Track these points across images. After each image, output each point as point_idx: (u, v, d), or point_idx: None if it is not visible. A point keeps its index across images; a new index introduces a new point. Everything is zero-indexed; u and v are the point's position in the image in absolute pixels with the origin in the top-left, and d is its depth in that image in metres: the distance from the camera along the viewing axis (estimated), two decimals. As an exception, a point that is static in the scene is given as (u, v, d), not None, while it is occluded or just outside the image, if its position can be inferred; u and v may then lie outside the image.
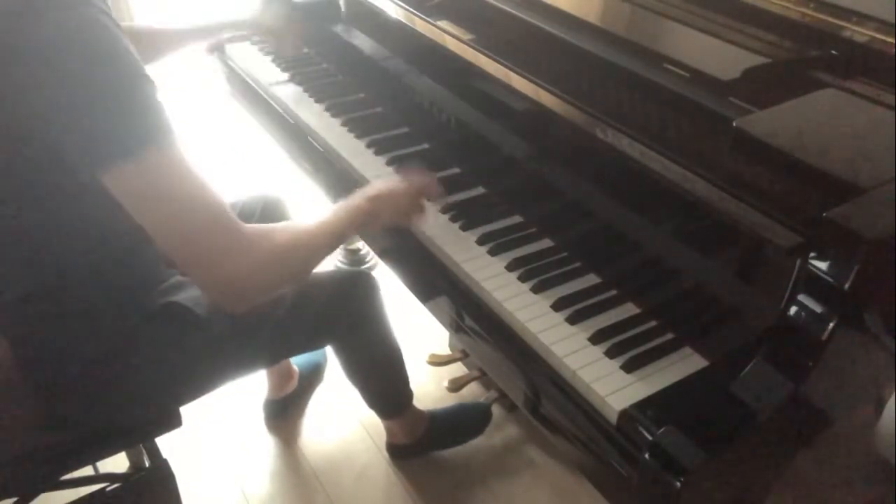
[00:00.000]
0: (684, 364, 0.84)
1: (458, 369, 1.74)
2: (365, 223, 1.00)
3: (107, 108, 0.74)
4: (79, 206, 0.87)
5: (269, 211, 1.34)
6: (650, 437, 0.73)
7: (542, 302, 0.93)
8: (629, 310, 0.92)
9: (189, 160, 0.79)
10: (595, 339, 0.87)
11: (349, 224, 0.97)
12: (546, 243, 1.04)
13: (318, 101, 1.40)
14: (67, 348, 0.96)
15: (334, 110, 1.36)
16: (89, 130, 0.74)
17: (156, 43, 1.27)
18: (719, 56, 1.00)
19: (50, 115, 0.74)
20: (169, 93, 0.89)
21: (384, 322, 1.28)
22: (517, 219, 1.09)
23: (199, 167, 0.80)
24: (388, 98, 1.37)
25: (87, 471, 1.12)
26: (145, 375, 1.01)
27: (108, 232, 0.92)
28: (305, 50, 1.56)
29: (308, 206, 1.74)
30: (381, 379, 1.40)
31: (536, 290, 0.95)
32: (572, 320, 0.90)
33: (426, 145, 1.27)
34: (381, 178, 1.14)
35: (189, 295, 1.02)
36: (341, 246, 2.10)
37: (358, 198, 0.99)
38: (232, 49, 1.61)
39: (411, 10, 1.24)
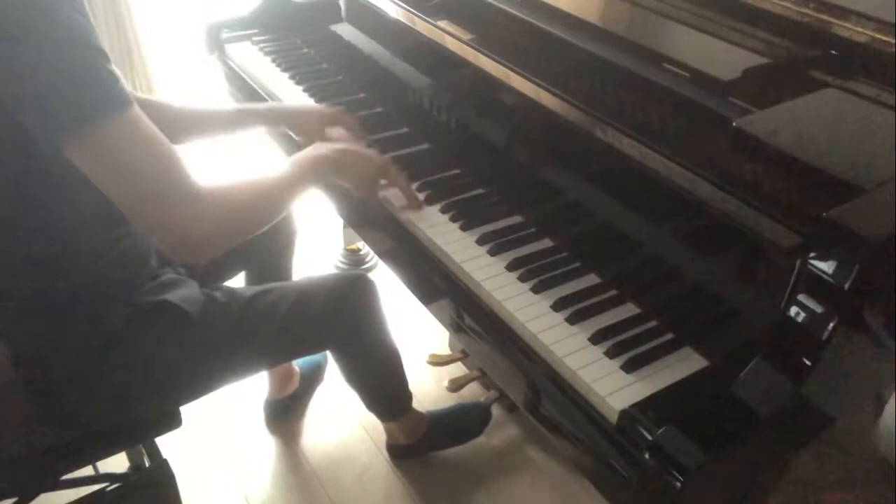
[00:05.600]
0: (684, 364, 0.84)
1: (458, 369, 1.74)
2: (328, 172, 1.04)
3: (52, 80, 0.74)
4: (58, 194, 0.87)
5: None
6: (650, 437, 0.73)
7: (542, 302, 0.93)
8: (629, 310, 0.92)
9: (145, 125, 0.80)
10: (595, 339, 0.87)
11: (312, 171, 1.01)
12: (546, 243, 1.04)
13: (318, 101, 1.40)
14: (61, 346, 0.96)
15: (334, 110, 1.36)
16: (43, 100, 0.74)
17: (201, 123, 1.23)
18: (719, 56, 1.00)
19: (5, 90, 0.75)
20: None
21: (382, 326, 1.28)
22: (517, 219, 1.09)
23: (155, 131, 0.81)
24: (388, 98, 1.37)
25: (87, 471, 1.12)
26: (141, 374, 1.01)
27: (96, 222, 0.92)
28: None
29: (308, 206, 1.74)
30: (381, 383, 1.40)
31: (536, 290, 0.95)
32: (572, 320, 0.90)
33: (426, 145, 1.27)
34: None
35: (181, 294, 1.02)
36: (341, 247, 2.10)
37: (323, 147, 1.04)
38: (232, 49, 1.61)
39: (411, 10, 1.24)
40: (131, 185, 0.80)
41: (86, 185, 0.80)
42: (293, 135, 1.29)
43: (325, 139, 1.23)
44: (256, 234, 0.96)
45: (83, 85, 0.75)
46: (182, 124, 1.19)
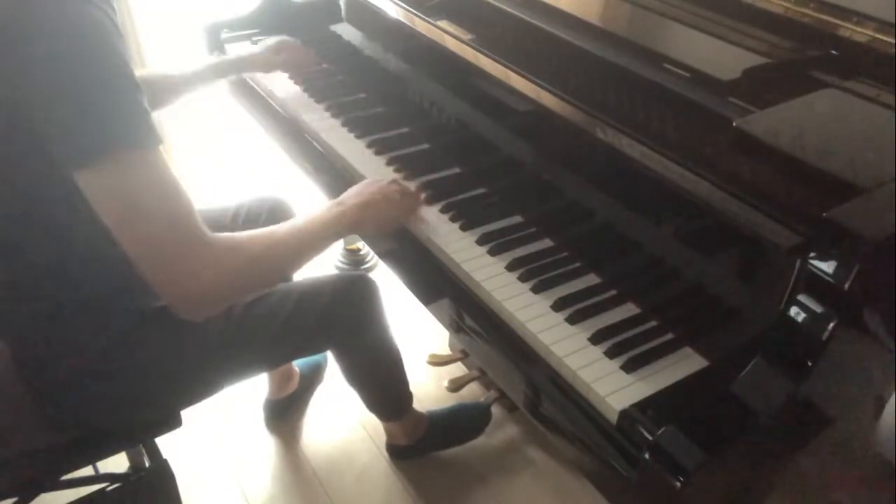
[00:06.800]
0: (684, 364, 0.84)
1: (458, 369, 1.74)
2: (349, 230, 1.00)
3: (84, 104, 0.73)
4: (68, 202, 0.86)
5: (274, 214, 1.33)
6: (650, 437, 0.73)
7: (542, 302, 0.93)
8: (629, 310, 0.92)
9: (164, 168, 0.78)
10: (595, 339, 0.87)
11: (332, 231, 0.97)
12: (546, 243, 1.04)
13: (318, 101, 1.40)
14: (63, 349, 0.96)
15: (334, 110, 1.36)
16: (66, 125, 0.74)
17: (170, 87, 1.28)
18: (719, 56, 1.00)
19: (33, 106, 0.74)
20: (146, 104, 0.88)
21: (384, 326, 1.28)
22: (517, 219, 1.09)
23: (173, 176, 0.79)
24: (388, 98, 1.37)
25: (87, 471, 1.12)
26: (143, 378, 1.01)
27: (98, 229, 0.92)
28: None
29: (309, 207, 1.74)
30: (381, 383, 1.40)
31: (536, 290, 0.95)
32: (572, 320, 0.90)
33: (426, 145, 1.27)
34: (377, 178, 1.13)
35: None
36: (341, 247, 2.10)
37: (344, 205, 0.99)
38: (232, 49, 1.61)
39: (411, 10, 1.24)
40: (140, 226, 0.77)
41: None
42: (261, 74, 1.44)
43: (280, 66, 1.43)
44: (268, 288, 0.91)
45: (115, 113, 0.75)
46: (164, 88, 1.25)
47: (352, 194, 1.02)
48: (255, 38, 1.63)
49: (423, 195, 1.11)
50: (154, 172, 0.77)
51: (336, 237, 0.98)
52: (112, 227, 0.78)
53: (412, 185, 1.15)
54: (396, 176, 1.18)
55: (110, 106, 0.75)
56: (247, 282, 0.88)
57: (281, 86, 1.46)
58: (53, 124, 0.74)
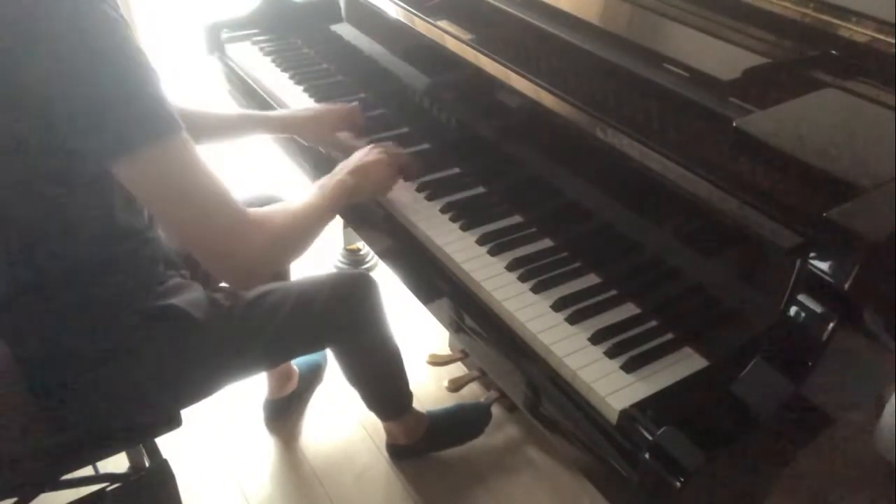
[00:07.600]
0: (684, 364, 0.84)
1: (458, 369, 1.74)
2: (350, 196, 1.04)
3: (117, 98, 0.76)
4: (76, 203, 0.87)
5: None
6: (650, 437, 0.73)
7: (542, 302, 0.93)
8: (629, 310, 0.92)
9: (195, 150, 0.83)
10: (595, 339, 0.87)
11: (336, 199, 1.01)
12: (546, 243, 1.04)
13: (318, 100, 1.40)
14: (65, 348, 0.96)
15: (334, 110, 1.36)
16: (99, 120, 0.76)
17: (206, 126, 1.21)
18: (719, 56, 1.00)
19: (58, 107, 0.76)
20: (168, 92, 0.89)
21: (383, 325, 1.28)
22: (517, 219, 1.09)
23: (203, 160, 0.83)
24: (388, 98, 1.37)
25: (87, 471, 1.12)
26: (144, 377, 1.01)
27: (106, 230, 0.92)
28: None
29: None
30: (381, 382, 1.40)
31: (536, 290, 0.95)
32: (572, 320, 0.90)
33: (426, 145, 1.27)
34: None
35: (187, 298, 1.02)
36: (341, 247, 2.10)
37: (340, 173, 1.05)
38: (232, 49, 1.61)
39: (411, 10, 1.24)
40: (179, 209, 0.82)
41: (112, 201, 0.80)
42: (303, 141, 1.30)
43: (334, 141, 1.27)
44: (295, 257, 0.98)
45: (142, 105, 0.77)
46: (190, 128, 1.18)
47: (343, 165, 1.07)
48: (255, 39, 1.63)
49: (404, 153, 1.14)
50: (188, 155, 0.82)
51: (339, 206, 1.03)
52: (158, 212, 0.83)
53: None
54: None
55: (139, 98, 0.77)
56: (282, 248, 0.94)
57: (282, 86, 1.46)
58: (80, 120, 0.76)
